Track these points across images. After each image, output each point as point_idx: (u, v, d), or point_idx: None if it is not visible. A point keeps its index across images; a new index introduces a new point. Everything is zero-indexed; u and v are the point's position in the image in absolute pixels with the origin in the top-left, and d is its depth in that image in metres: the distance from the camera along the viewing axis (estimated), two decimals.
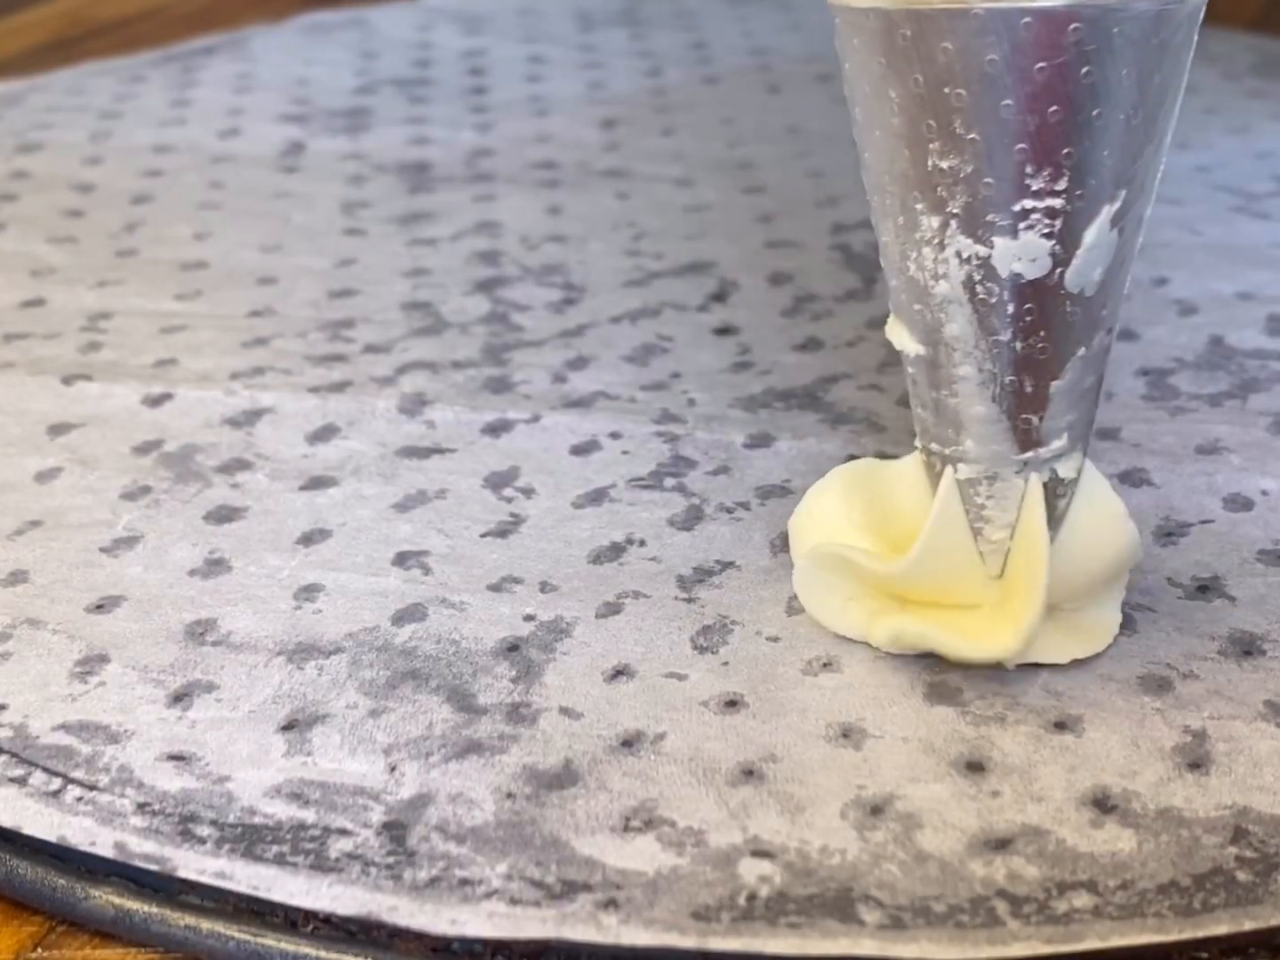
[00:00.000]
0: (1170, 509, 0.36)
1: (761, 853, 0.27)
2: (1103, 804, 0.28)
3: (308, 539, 0.36)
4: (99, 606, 0.34)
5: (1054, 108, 0.27)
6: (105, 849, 0.27)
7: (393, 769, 0.29)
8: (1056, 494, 0.30)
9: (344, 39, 0.71)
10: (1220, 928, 0.26)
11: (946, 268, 0.28)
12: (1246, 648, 0.31)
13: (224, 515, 0.37)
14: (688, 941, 0.25)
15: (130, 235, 0.52)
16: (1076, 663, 0.31)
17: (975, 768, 0.29)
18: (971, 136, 0.27)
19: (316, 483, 0.38)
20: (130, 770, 0.29)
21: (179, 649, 0.32)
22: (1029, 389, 0.29)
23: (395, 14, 0.74)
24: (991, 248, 0.28)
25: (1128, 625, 0.32)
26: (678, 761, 0.29)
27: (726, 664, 0.31)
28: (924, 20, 0.26)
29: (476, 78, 0.66)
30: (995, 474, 0.30)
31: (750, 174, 0.56)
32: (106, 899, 0.27)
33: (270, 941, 0.26)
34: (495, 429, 0.40)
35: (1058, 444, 0.30)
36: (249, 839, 0.27)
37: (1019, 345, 0.29)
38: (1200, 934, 0.26)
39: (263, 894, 0.27)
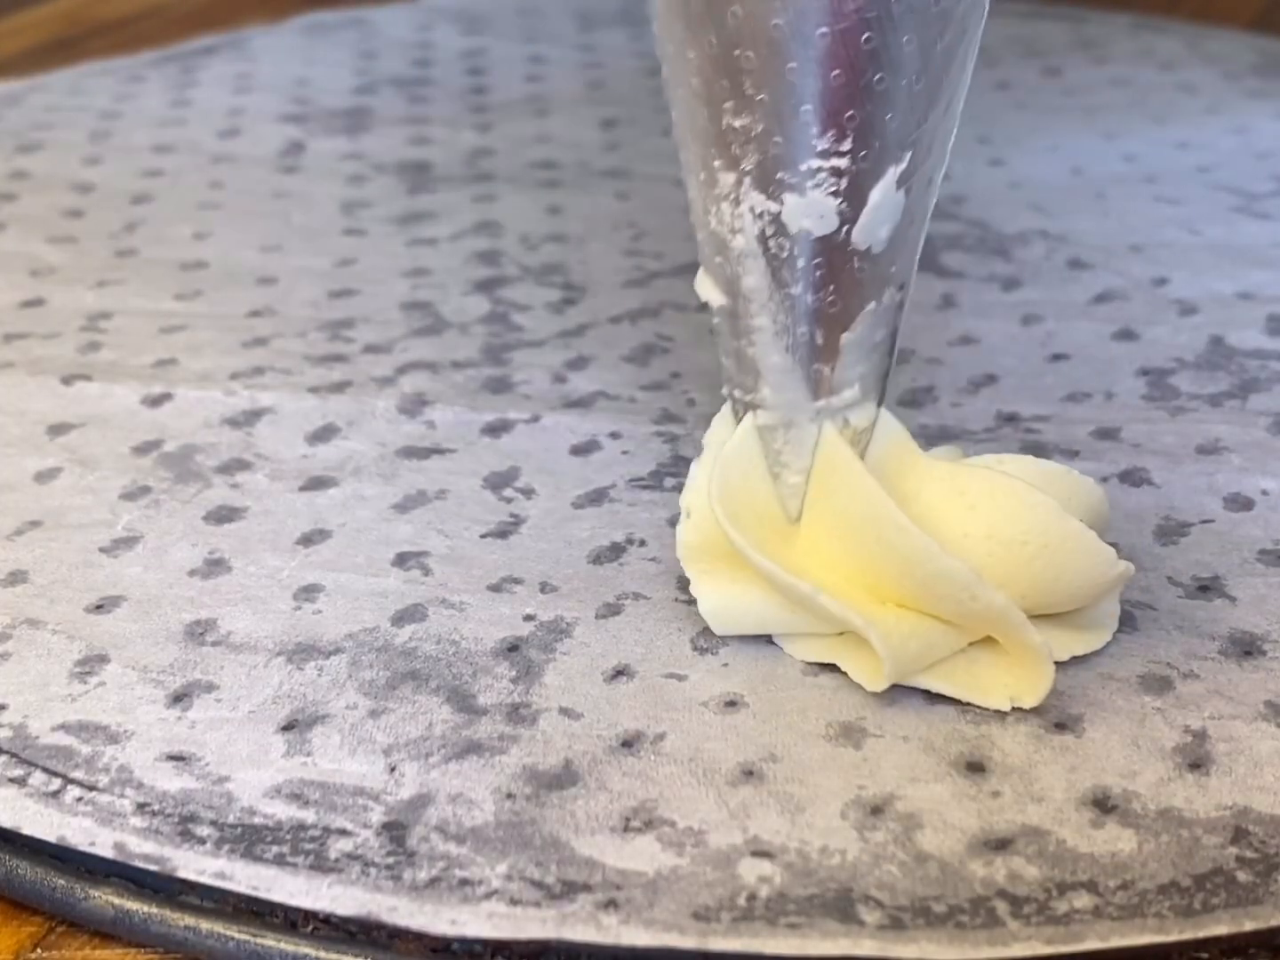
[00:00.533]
0: (1171, 509, 0.36)
1: (761, 853, 0.27)
2: (1103, 804, 0.28)
3: (308, 539, 0.36)
4: (99, 607, 0.34)
5: (836, 71, 0.28)
6: (105, 849, 0.27)
7: (392, 769, 0.29)
8: (852, 442, 0.31)
9: (344, 39, 0.71)
10: (1220, 928, 0.26)
11: (742, 223, 0.30)
12: (1247, 648, 0.31)
13: (224, 515, 0.37)
14: (688, 942, 0.25)
15: (130, 235, 0.52)
16: (1076, 662, 0.31)
17: (975, 768, 0.29)
18: (761, 97, 0.28)
19: (316, 483, 0.38)
20: (130, 770, 0.29)
21: (179, 649, 0.32)
22: (820, 340, 0.31)
23: (395, 14, 0.74)
24: (782, 204, 0.29)
25: (1128, 624, 0.32)
26: (678, 762, 0.29)
27: (726, 664, 0.31)
28: None
29: (476, 78, 0.66)
30: (791, 421, 0.31)
31: None
32: (106, 899, 0.27)
33: (270, 942, 0.26)
34: (495, 429, 0.40)
35: (849, 393, 0.31)
36: (249, 839, 0.27)
37: (810, 299, 0.30)
38: (1200, 934, 0.26)
39: (262, 894, 0.26)
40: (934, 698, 0.30)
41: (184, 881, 0.27)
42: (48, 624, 0.33)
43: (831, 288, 0.30)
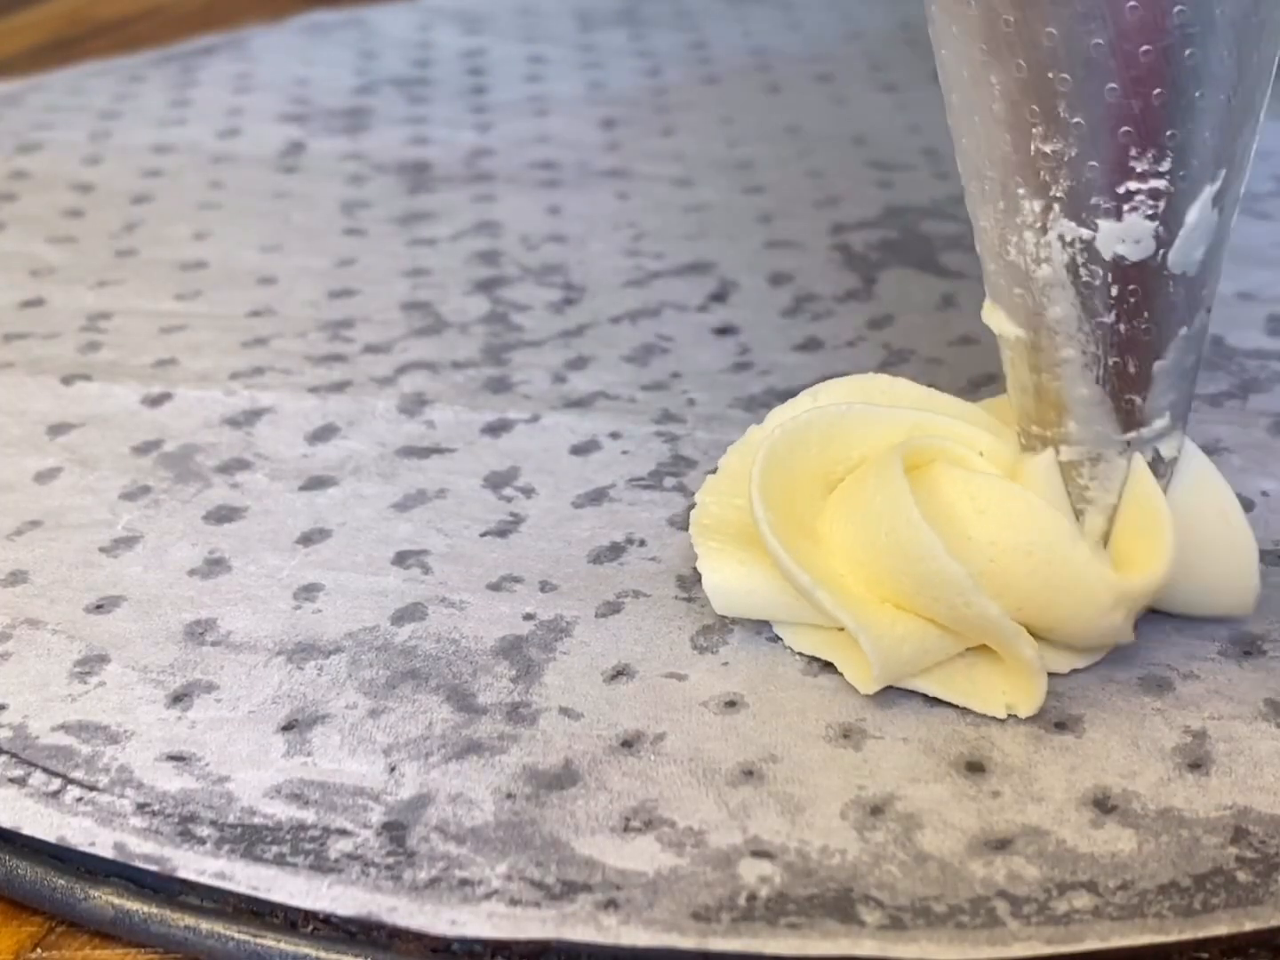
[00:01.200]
0: None
1: (761, 853, 0.27)
2: (1103, 804, 0.28)
3: (307, 539, 0.36)
4: (98, 607, 0.34)
5: (1158, 90, 0.27)
6: (105, 849, 0.27)
7: (392, 769, 0.29)
8: (1158, 473, 0.30)
9: (344, 39, 0.71)
10: (1220, 928, 0.26)
11: (1049, 251, 0.29)
12: (1247, 648, 0.31)
13: (224, 515, 0.37)
14: (688, 942, 0.25)
15: (130, 235, 0.52)
16: None
17: (975, 768, 0.29)
18: (1076, 120, 0.27)
19: (316, 482, 0.38)
20: (130, 770, 0.29)
21: (178, 649, 0.32)
22: (1133, 369, 0.29)
23: (395, 14, 0.74)
24: (1095, 230, 0.28)
25: None
26: (678, 762, 0.29)
27: (726, 664, 0.31)
28: (1027, 7, 0.27)
29: (476, 78, 0.66)
30: (1099, 455, 0.30)
31: (750, 174, 0.56)
32: (106, 899, 0.27)
33: (270, 942, 0.26)
34: (495, 429, 0.40)
35: (1160, 423, 0.30)
36: (249, 839, 0.27)
37: (1123, 327, 0.29)
38: (1201, 934, 0.26)
39: (262, 894, 0.26)
40: (934, 699, 0.30)
41: (184, 881, 0.27)
42: (48, 624, 0.33)
43: (1145, 314, 0.29)
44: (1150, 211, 0.28)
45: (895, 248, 0.47)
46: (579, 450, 0.39)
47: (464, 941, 0.26)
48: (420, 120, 0.61)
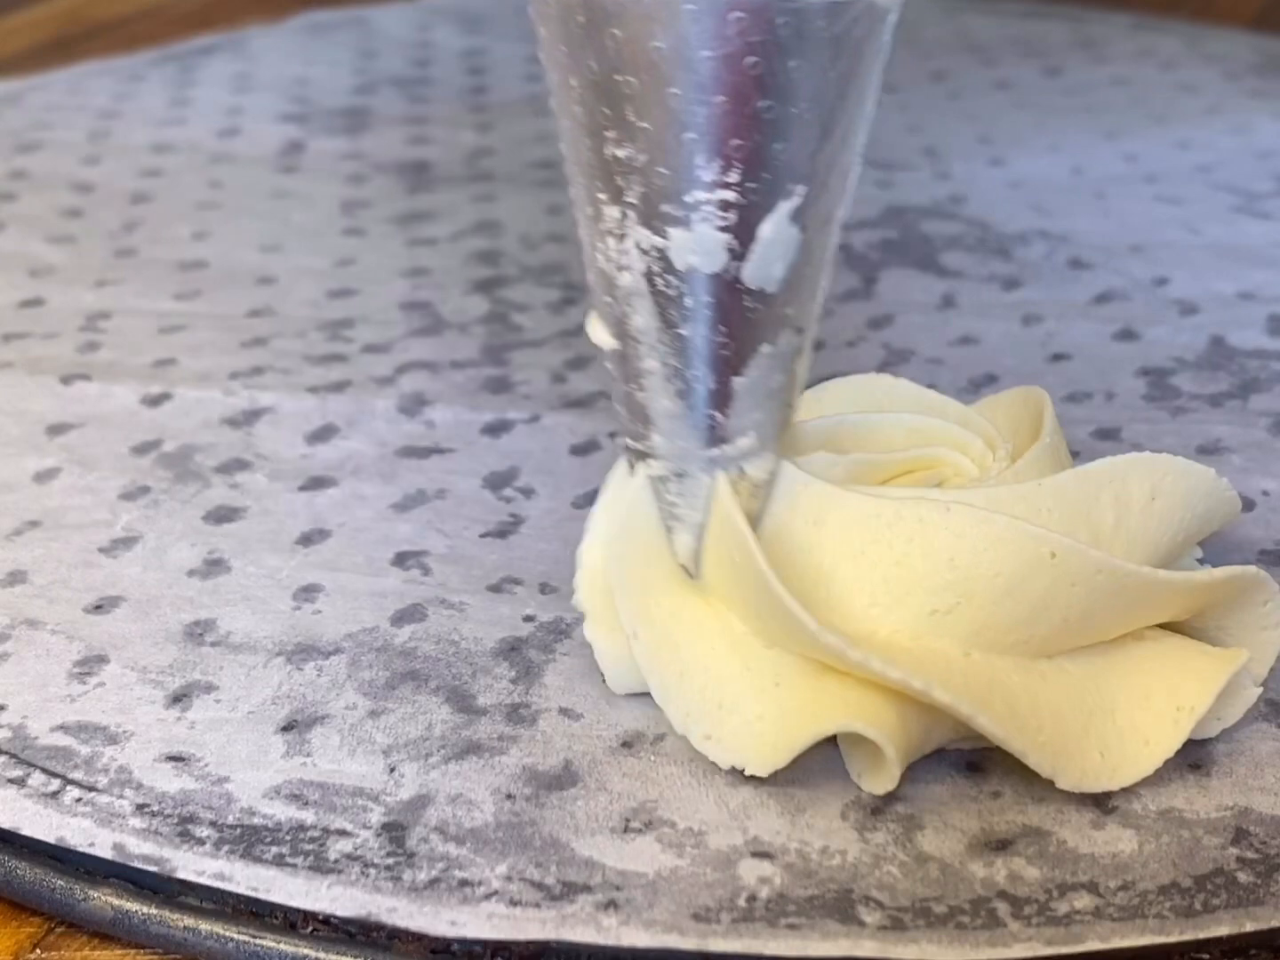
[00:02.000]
0: None
1: (761, 853, 0.27)
2: (1103, 805, 0.28)
3: (307, 539, 0.36)
4: (98, 607, 0.34)
5: (720, 97, 0.26)
6: (104, 850, 0.27)
7: (392, 770, 0.29)
8: (750, 496, 0.29)
9: (344, 38, 0.71)
10: (1221, 929, 0.26)
11: (629, 259, 0.28)
12: None
13: (223, 515, 0.37)
14: (688, 943, 0.25)
15: (129, 235, 0.52)
16: None
17: (975, 768, 0.29)
18: (643, 125, 0.26)
19: (316, 483, 0.38)
20: (129, 771, 0.29)
21: (178, 649, 0.32)
22: (712, 384, 0.28)
23: (395, 13, 0.74)
24: (667, 239, 0.27)
25: None
26: (678, 762, 0.29)
27: None
28: (594, 7, 0.26)
29: (476, 78, 0.66)
30: (683, 471, 0.29)
31: None
32: (105, 900, 0.27)
33: (269, 943, 0.26)
34: (495, 429, 0.40)
35: (744, 442, 0.29)
36: (248, 840, 0.27)
37: (700, 340, 0.28)
38: (1201, 935, 0.26)
39: (262, 895, 0.26)
40: None
41: (183, 882, 0.27)
42: (47, 624, 0.33)
43: (722, 329, 0.28)
44: (721, 223, 0.27)
45: (895, 248, 0.47)
46: (579, 450, 0.39)
47: (464, 942, 0.26)
48: (420, 120, 0.61)
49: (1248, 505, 0.36)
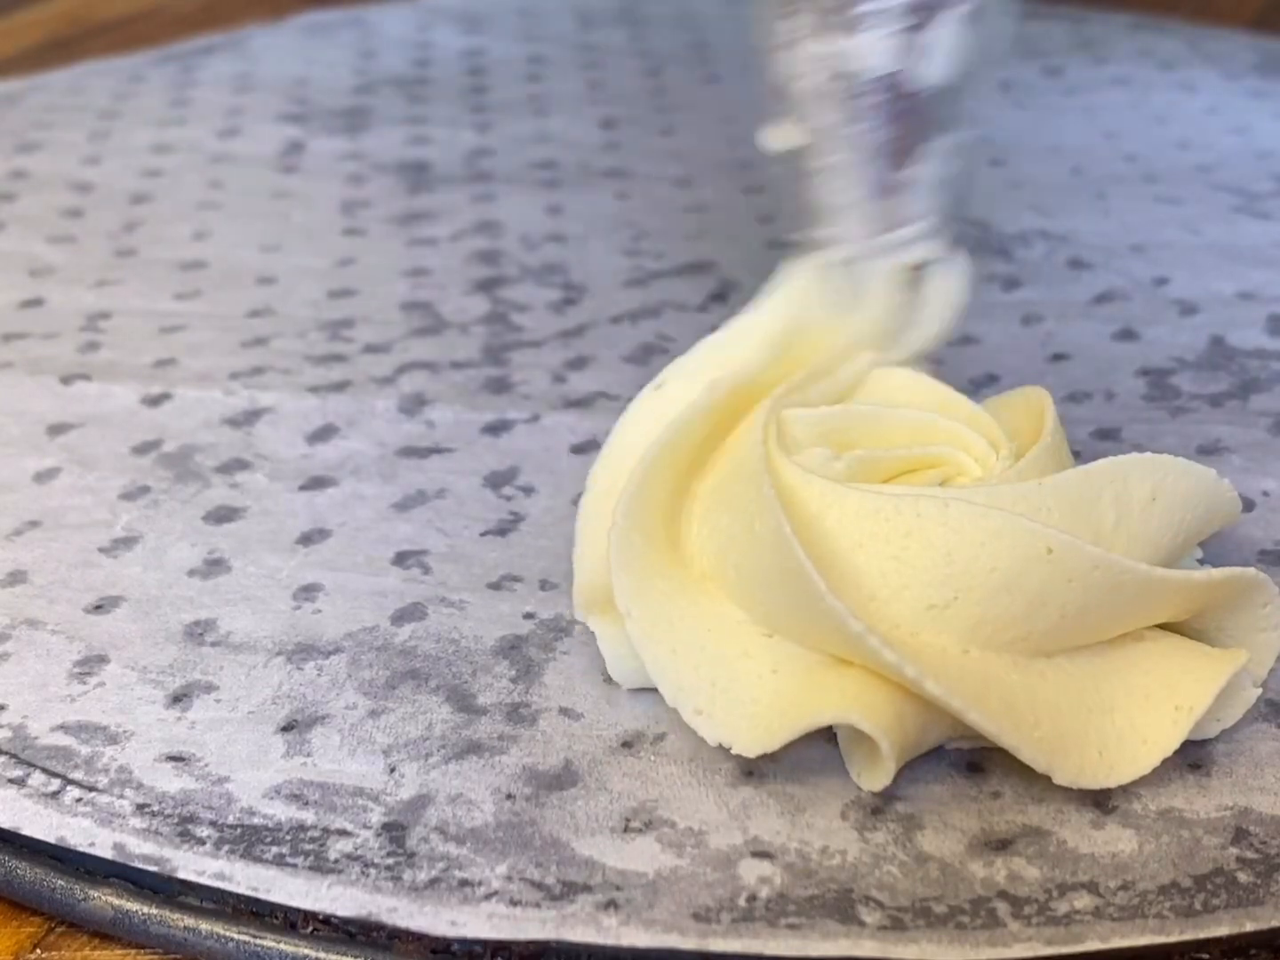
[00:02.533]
0: None
1: (761, 853, 0.27)
2: (1103, 804, 0.28)
3: (307, 539, 0.36)
4: (98, 607, 0.34)
5: None
6: (104, 850, 0.27)
7: (392, 770, 0.29)
8: (909, 282, 0.34)
9: (344, 39, 0.71)
10: (1221, 929, 0.26)
11: (807, 66, 0.32)
12: None
13: (223, 515, 0.37)
14: (688, 943, 0.25)
15: (129, 235, 0.52)
16: None
17: (975, 768, 0.29)
18: None
19: (316, 482, 0.38)
20: (129, 771, 0.29)
21: (178, 649, 0.32)
22: (887, 177, 0.33)
23: (395, 14, 0.74)
24: (842, 44, 0.32)
25: None
26: (678, 762, 0.29)
27: None
28: None
29: (476, 78, 0.66)
30: (858, 257, 0.33)
31: (750, 174, 0.56)
32: (105, 900, 0.27)
33: (270, 943, 0.26)
34: (495, 429, 0.40)
35: (912, 229, 0.34)
36: (248, 840, 0.27)
37: (876, 134, 0.32)
38: (1201, 935, 0.26)
39: (262, 895, 0.26)
40: None
41: (183, 882, 0.27)
42: (47, 624, 0.33)
43: (894, 125, 0.32)
44: (893, 28, 0.31)
45: None
46: (579, 450, 0.39)
47: (464, 942, 0.26)
48: (420, 120, 0.61)
49: (1248, 505, 0.36)
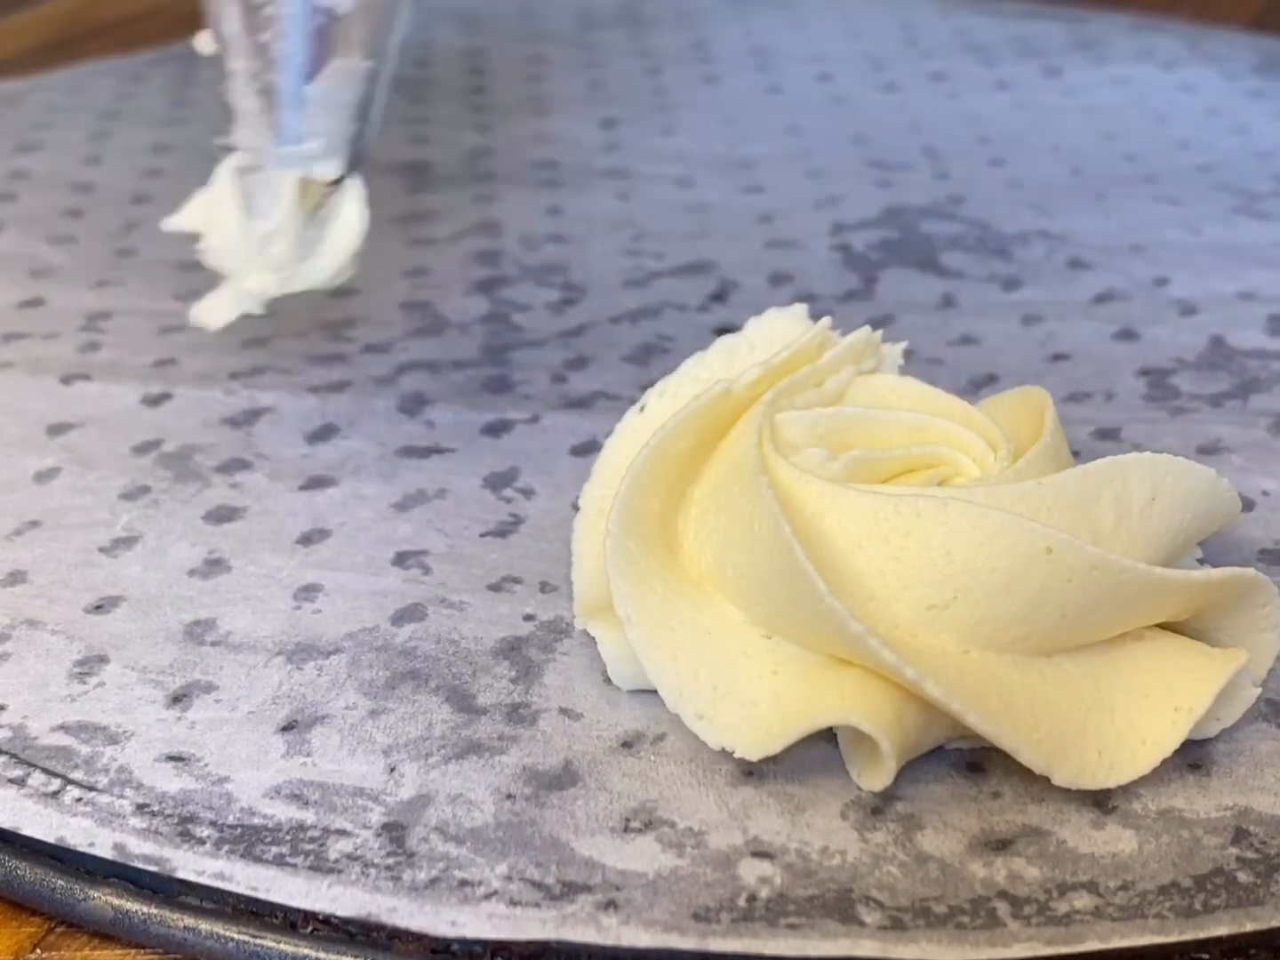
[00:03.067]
0: None
1: (761, 853, 0.27)
2: (1103, 804, 0.28)
3: (307, 539, 0.36)
4: (98, 607, 0.34)
5: None
6: (104, 850, 0.27)
7: (392, 770, 0.29)
8: (320, 196, 0.36)
9: None
10: (1221, 929, 0.26)
11: None
12: None
13: (223, 515, 0.37)
14: (688, 942, 0.25)
15: (130, 235, 0.52)
16: None
17: (975, 768, 0.29)
18: None
19: (316, 482, 0.38)
20: (129, 771, 0.29)
21: (178, 649, 0.32)
22: (284, 88, 0.35)
23: None
24: None
25: None
26: (678, 762, 0.29)
27: None
28: None
29: (476, 78, 0.66)
30: (260, 164, 0.36)
31: (750, 174, 0.56)
32: (105, 900, 0.27)
33: (269, 943, 0.26)
34: (495, 429, 0.40)
35: (312, 145, 0.35)
36: (248, 840, 0.27)
37: (278, 45, 0.35)
38: (1201, 935, 0.26)
39: (262, 895, 0.26)
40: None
41: (183, 882, 0.27)
42: (47, 624, 0.33)
43: (296, 39, 0.34)
44: None
45: (895, 248, 0.47)
46: (579, 451, 0.39)
47: (464, 942, 0.26)
48: (420, 120, 0.61)
49: (1248, 505, 0.36)
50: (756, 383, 0.31)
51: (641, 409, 0.33)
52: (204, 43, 0.36)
